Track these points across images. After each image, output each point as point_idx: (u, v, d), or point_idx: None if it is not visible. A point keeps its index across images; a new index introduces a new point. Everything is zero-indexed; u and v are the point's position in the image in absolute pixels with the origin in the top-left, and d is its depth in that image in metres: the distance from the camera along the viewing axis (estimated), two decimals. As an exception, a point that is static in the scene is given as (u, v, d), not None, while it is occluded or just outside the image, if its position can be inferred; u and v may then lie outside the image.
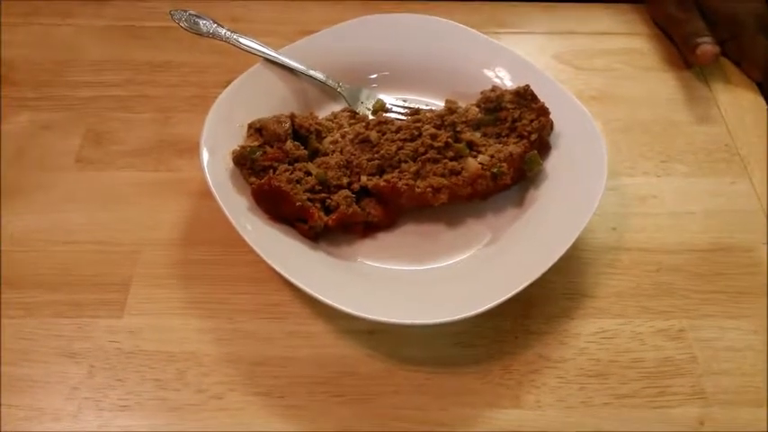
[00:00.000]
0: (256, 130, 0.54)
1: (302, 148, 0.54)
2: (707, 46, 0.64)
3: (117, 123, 0.61)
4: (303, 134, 0.55)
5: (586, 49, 0.69)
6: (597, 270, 0.52)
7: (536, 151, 0.54)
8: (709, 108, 0.64)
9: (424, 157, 0.52)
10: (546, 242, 0.48)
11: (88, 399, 0.45)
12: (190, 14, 0.61)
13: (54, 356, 0.47)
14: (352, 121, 0.58)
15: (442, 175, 0.52)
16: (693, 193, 0.57)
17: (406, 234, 0.53)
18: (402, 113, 0.59)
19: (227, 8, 0.71)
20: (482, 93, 0.57)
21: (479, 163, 0.52)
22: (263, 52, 0.59)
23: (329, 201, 0.51)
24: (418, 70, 0.62)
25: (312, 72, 0.59)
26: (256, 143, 0.53)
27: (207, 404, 0.45)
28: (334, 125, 0.57)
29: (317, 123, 0.56)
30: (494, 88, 0.57)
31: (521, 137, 0.54)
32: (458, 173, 0.52)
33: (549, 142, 0.55)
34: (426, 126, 0.54)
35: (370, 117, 0.58)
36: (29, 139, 0.60)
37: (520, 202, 0.54)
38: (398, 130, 0.54)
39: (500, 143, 0.54)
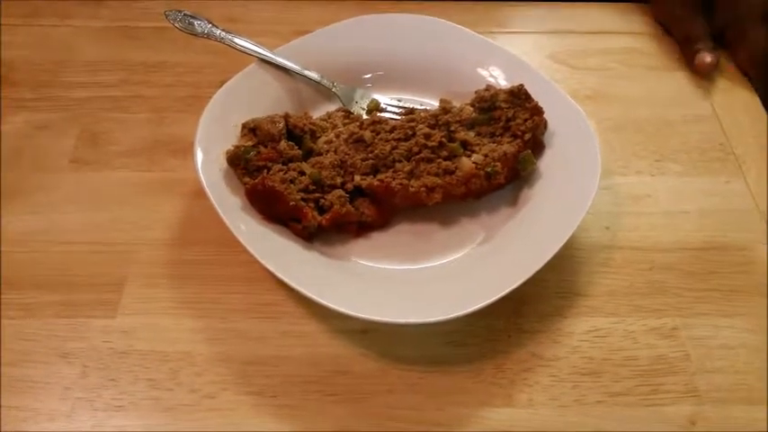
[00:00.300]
0: (250, 129, 0.54)
1: (296, 147, 0.54)
2: (705, 57, 0.64)
3: (112, 124, 0.61)
4: (297, 134, 0.55)
5: (581, 48, 0.70)
6: (590, 269, 0.52)
7: (530, 150, 0.54)
8: (703, 107, 0.64)
9: (417, 156, 0.52)
10: (539, 241, 0.48)
11: (81, 399, 0.45)
12: (184, 15, 0.61)
13: (48, 357, 0.47)
14: (347, 120, 0.58)
15: (436, 175, 0.52)
16: (687, 193, 0.57)
17: (400, 233, 0.53)
18: (396, 113, 0.59)
19: (223, 8, 0.71)
20: (476, 92, 0.57)
21: (473, 162, 0.52)
22: (258, 52, 0.59)
23: (323, 200, 0.51)
24: (413, 70, 0.62)
25: (306, 72, 0.59)
26: (250, 143, 0.53)
27: (200, 404, 0.45)
28: (328, 125, 0.58)
29: (311, 123, 0.56)
30: (488, 88, 0.57)
31: (515, 136, 0.54)
32: (452, 172, 0.52)
33: (543, 141, 0.55)
34: (420, 126, 0.54)
35: (365, 117, 0.58)
36: (24, 139, 0.60)
37: (513, 201, 0.54)
38: (392, 129, 0.54)
39: (494, 142, 0.54)
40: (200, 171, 0.50)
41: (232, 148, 0.52)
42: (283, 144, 0.53)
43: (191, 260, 0.52)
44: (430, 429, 0.44)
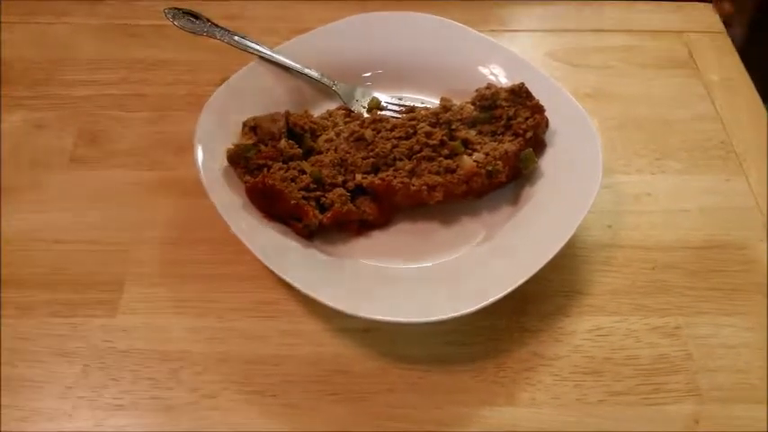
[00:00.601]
0: (251, 128, 0.54)
1: (297, 146, 0.53)
2: None
3: (111, 122, 0.61)
4: (298, 132, 0.55)
5: (582, 46, 0.69)
6: (592, 267, 0.52)
7: (531, 149, 0.54)
8: (704, 105, 0.64)
9: (419, 155, 0.52)
10: (541, 240, 0.48)
11: (82, 398, 0.45)
12: (184, 13, 0.61)
13: (49, 356, 0.47)
14: (347, 119, 0.58)
15: (437, 173, 0.52)
16: (688, 191, 0.57)
17: (401, 232, 0.53)
18: (397, 111, 0.59)
19: (223, 6, 0.70)
20: (477, 90, 0.57)
21: (474, 161, 0.52)
22: (258, 50, 0.59)
23: (324, 199, 0.51)
24: (413, 68, 0.62)
25: (307, 70, 0.59)
26: (251, 141, 0.53)
27: (200, 403, 0.45)
28: (328, 123, 0.57)
29: (311, 122, 0.56)
30: (489, 86, 0.57)
31: (516, 135, 0.54)
32: (453, 171, 0.52)
33: (545, 140, 0.55)
34: (421, 124, 0.54)
35: (365, 115, 0.58)
36: (23, 137, 0.60)
37: (515, 199, 0.54)
38: (393, 128, 0.54)
39: (495, 141, 0.54)
40: (201, 169, 0.50)
41: (232, 147, 0.52)
42: (284, 142, 0.53)
43: (191, 259, 0.52)
44: (431, 429, 0.44)
